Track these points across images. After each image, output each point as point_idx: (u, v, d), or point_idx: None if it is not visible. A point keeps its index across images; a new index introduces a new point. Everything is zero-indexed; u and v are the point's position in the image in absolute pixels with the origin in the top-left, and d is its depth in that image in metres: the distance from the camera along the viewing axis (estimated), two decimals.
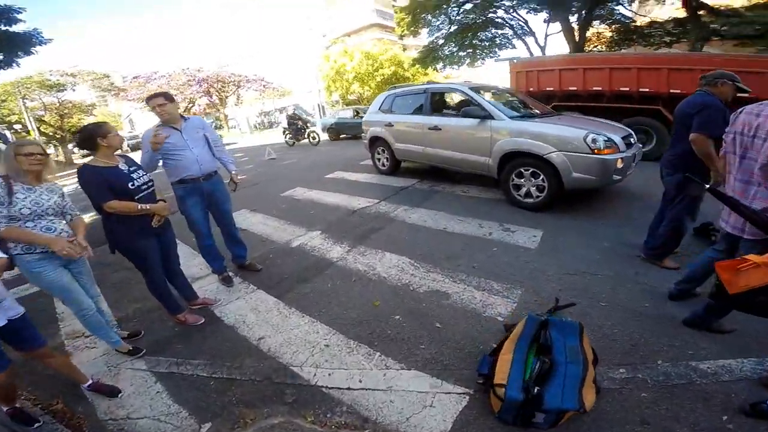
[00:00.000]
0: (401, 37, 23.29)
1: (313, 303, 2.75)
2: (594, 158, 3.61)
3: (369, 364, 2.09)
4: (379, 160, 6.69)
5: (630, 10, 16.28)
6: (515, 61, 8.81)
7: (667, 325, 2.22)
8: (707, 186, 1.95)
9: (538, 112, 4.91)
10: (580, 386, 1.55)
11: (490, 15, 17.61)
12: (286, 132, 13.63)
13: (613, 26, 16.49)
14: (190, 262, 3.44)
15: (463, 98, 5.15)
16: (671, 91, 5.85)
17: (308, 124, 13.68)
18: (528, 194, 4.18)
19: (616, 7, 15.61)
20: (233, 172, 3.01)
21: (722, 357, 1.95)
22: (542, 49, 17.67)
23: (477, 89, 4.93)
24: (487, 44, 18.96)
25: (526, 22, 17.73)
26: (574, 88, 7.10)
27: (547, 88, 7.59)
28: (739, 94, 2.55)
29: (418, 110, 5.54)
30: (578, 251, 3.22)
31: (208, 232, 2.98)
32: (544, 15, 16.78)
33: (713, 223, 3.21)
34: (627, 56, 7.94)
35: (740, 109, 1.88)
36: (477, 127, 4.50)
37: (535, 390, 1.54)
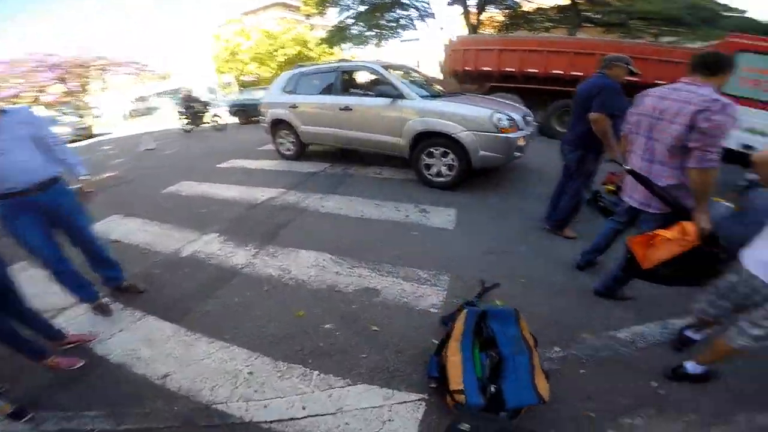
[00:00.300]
0: (308, 16, 21.97)
1: (221, 324, 2.26)
2: (500, 137, 3.70)
3: (308, 386, 1.78)
4: (282, 144, 6.05)
5: None
6: (455, 38, 8.85)
7: (582, 297, 2.37)
8: (627, 168, 2.01)
9: (444, 91, 4.92)
10: (532, 377, 1.53)
11: None
12: (182, 117, 11.79)
13: (505, 11, 17.77)
14: (48, 289, 2.42)
15: (375, 77, 4.88)
16: None
17: (207, 107, 12.04)
18: (439, 174, 4.19)
19: None
20: (83, 177, 2.27)
21: (635, 324, 2.13)
22: (442, 30, 18.33)
23: (388, 68, 4.71)
24: (393, 25, 18.95)
25: (428, 4, 18.07)
26: (512, 69, 7.21)
27: (485, 68, 7.63)
28: (628, 77, 2.71)
29: (328, 90, 5.10)
30: (492, 228, 3.32)
31: (56, 256, 2.18)
32: None
33: (600, 192, 3.62)
34: (564, 40, 8.28)
35: (644, 92, 1.97)
36: (389, 107, 4.30)
37: (492, 388, 1.49)
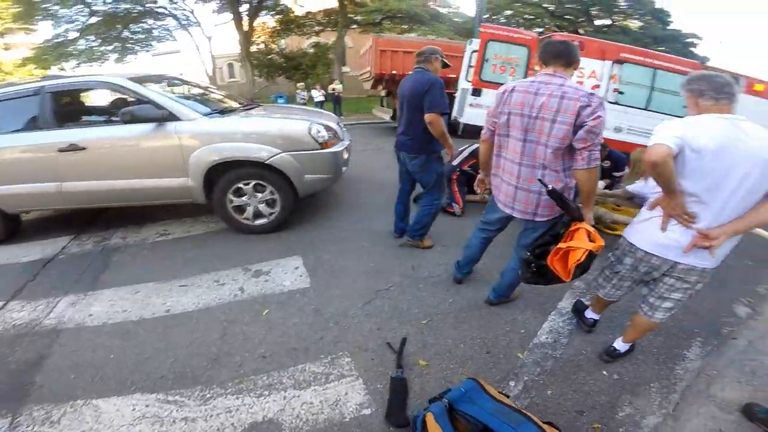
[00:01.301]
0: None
1: None
2: (325, 153, 2.97)
3: None
4: None
5: (296, 3, 17.58)
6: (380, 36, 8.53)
7: (484, 315, 2.24)
8: (548, 189, 1.61)
9: (236, 104, 3.78)
10: None
11: (148, 4, 14.34)
12: None
13: (276, 17, 17.34)
14: None
15: (119, 96, 3.28)
16: None
17: None
18: (258, 214, 3.13)
19: None
20: None
21: (541, 322, 2.18)
22: (209, 39, 16.59)
23: (140, 80, 3.13)
24: (142, 36, 15.64)
25: (192, 12, 15.73)
26: (453, 76, 6.73)
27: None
28: (443, 69, 2.56)
29: (33, 124, 3.01)
30: (353, 265, 2.72)
31: None
32: (214, 5, 15.45)
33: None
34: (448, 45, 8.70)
35: (509, 87, 1.70)
36: (155, 136, 2.83)
37: None
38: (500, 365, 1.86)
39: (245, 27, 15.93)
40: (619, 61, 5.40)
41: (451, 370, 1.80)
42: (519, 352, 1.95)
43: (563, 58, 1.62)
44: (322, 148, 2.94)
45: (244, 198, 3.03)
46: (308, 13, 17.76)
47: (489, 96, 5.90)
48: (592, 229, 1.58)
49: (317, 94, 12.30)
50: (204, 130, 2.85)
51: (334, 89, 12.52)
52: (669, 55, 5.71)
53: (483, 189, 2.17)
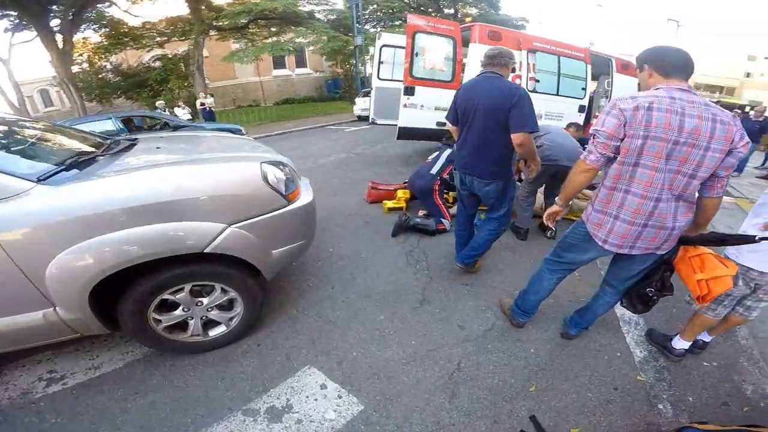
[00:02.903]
0: None
1: None
2: (295, 210, 1.93)
3: None
4: None
5: (129, 13, 14.27)
6: None
7: (573, 352, 2.09)
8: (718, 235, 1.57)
9: (93, 142, 2.11)
10: None
11: None
12: None
13: (102, 31, 13.96)
14: None
15: None
16: None
17: None
18: (209, 324, 1.94)
19: (108, 9, 13.08)
20: None
21: (621, 339, 2.23)
22: (4, 63, 12.62)
23: None
24: None
25: None
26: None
27: None
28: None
29: None
30: (392, 357, 1.97)
31: None
32: (5, 23, 11.50)
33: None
34: None
35: (644, 104, 1.34)
36: None
37: None
38: (636, 395, 1.80)
39: (60, 45, 12.26)
40: (533, 51, 5.47)
41: (609, 421, 1.65)
42: (636, 375, 1.93)
43: (690, 69, 1.38)
44: (288, 202, 1.90)
45: (177, 312, 1.79)
46: (146, 23, 14.72)
47: (423, 94, 5.36)
48: (714, 253, 1.59)
49: (182, 112, 10.23)
50: (52, 210, 1.41)
51: (203, 104, 10.85)
52: (565, 42, 6.06)
53: (555, 223, 1.87)
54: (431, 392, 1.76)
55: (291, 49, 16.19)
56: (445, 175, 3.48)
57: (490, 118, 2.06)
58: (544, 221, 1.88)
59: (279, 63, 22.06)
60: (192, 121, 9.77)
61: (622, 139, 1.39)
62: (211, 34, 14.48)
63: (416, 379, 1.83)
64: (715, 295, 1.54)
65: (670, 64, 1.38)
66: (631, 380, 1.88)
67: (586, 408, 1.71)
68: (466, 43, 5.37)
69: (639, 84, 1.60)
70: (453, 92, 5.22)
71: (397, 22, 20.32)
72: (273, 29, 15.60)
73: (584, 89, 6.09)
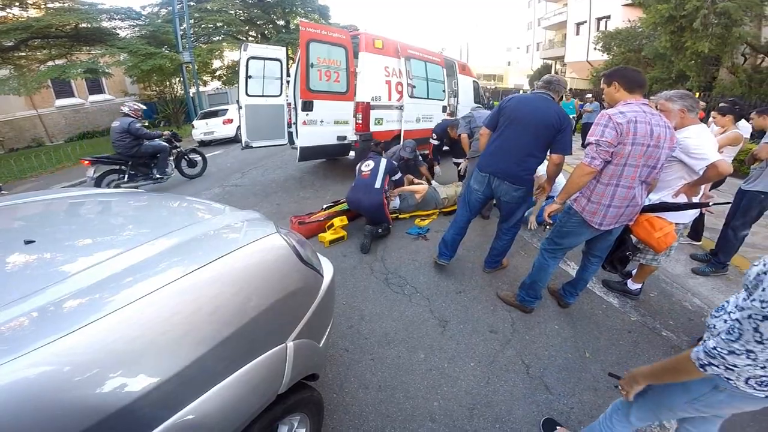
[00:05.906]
0: None
1: None
2: (331, 282, 1.60)
3: None
4: None
5: None
6: None
7: (593, 315, 2.64)
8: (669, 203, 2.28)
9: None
10: None
11: None
12: None
13: None
14: None
15: None
16: None
17: None
18: None
19: None
20: None
21: (606, 293, 2.95)
22: None
23: None
24: None
25: None
26: None
27: None
28: None
29: None
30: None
31: None
32: None
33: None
34: None
35: (631, 119, 1.78)
36: None
37: None
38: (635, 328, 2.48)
39: None
40: (408, 58, 5.78)
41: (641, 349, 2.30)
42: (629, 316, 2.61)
43: (645, 86, 1.91)
44: (322, 277, 1.51)
45: None
46: None
47: (322, 108, 4.99)
48: (655, 216, 2.12)
49: None
50: None
51: None
52: (426, 48, 6.63)
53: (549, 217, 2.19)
54: (526, 395, 1.87)
55: (103, 70, 12.74)
56: (386, 186, 3.62)
57: (537, 134, 2.35)
58: (545, 218, 2.14)
59: (64, 91, 16.70)
60: None
61: (616, 146, 1.81)
62: None
63: (506, 392, 1.89)
64: (669, 244, 2.10)
65: (634, 82, 1.84)
66: (628, 320, 2.56)
67: (622, 350, 2.28)
68: (355, 53, 5.33)
69: (604, 96, 1.98)
70: (350, 104, 5.13)
71: (216, 38, 18.63)
72: (54, 51, 11.91)
73: (444, 91, 6.89)
